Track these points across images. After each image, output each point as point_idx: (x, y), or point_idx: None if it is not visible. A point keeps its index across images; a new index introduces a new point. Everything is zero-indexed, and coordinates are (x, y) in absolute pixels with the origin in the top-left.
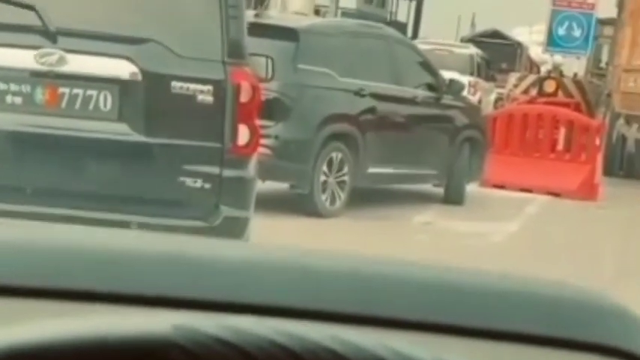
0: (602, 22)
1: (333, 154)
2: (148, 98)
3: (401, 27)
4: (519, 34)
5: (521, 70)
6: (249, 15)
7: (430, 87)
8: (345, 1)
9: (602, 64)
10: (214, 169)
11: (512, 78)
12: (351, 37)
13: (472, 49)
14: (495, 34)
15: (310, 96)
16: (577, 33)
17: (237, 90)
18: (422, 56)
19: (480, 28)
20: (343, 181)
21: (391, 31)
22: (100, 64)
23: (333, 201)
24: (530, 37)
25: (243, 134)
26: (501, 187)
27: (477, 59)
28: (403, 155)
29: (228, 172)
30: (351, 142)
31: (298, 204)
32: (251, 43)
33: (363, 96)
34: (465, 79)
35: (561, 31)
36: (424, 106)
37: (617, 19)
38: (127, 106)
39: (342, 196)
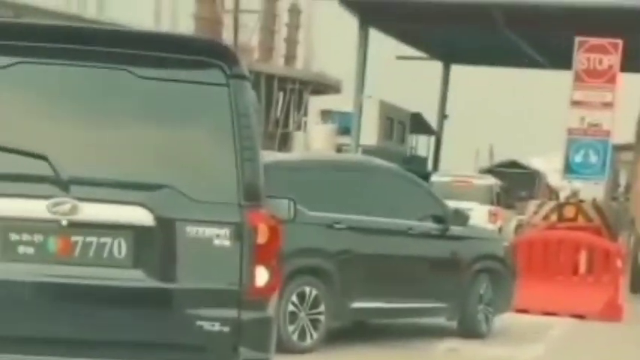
0: (619, 148)
1: (305, 289)
2: (163, 244)
3: (421, 161)
4: (537, 162)
5: (540, 197)
6: None
7: (436, 218)
8: (366, 139)
9: (621, 188)
10: (232, 312)
11: (532, 205)
12: (327, 171)
13: (491, 180)
14: (513, 164)
15: None
16: (593, 159)
17: (254, 232)
18: (422, 187)
19: (499, 158)
20: (317, 317)
21: (380, 162)
22: (114, 212)
23: (302, 336)
24: (548, 165)
25: (261, 276)
26: (525, 311)
27: (496, 189)
28: (398, 289)
29: (246, 314)
30: (325, 276)
31: None
32: None
33: (339, 229)
34: (484, 209)
35: (578, 159)
36: (422, 238)
37: (635, 146)
38: (141, 253)
39: (315, 333)
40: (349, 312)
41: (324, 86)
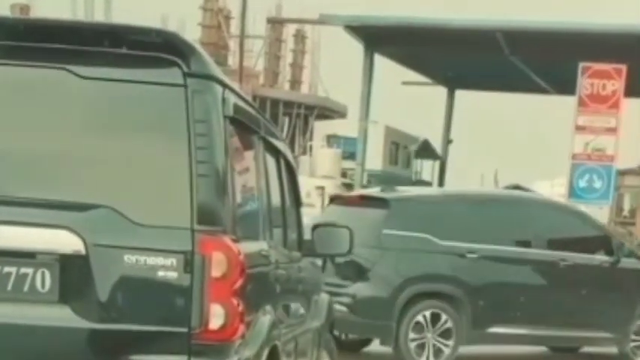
0: (623, 173)
1: (432, 312)
2: (96, 276)
3: (426, 185)
4: (541, 187)
5: None
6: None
7: (607, 251)
8: (371, 163)
9: (625, 213)
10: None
11: None
12: (468, 204)
13: None
14: (517, 188)
15: (392, 258)
16: (598, 184)
17: (208, 263)
18: (589, 220)
19: (503, 183)
20: (442, 348)
21: (535, 196)
22: (37, 237)
23: (419, 353)
24: (552, 189)
25: (216, 316)
26: None
27: None
28: (546, 316)
29: None
30: (455, 302)
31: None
32: (344, 212)
33: (472, 259)
34: None
35: (582, 183)
36: (578, 268)
37: None
38: (69, 286)
39: (446, 350)
40: (485, 337)
41: (329, 111)
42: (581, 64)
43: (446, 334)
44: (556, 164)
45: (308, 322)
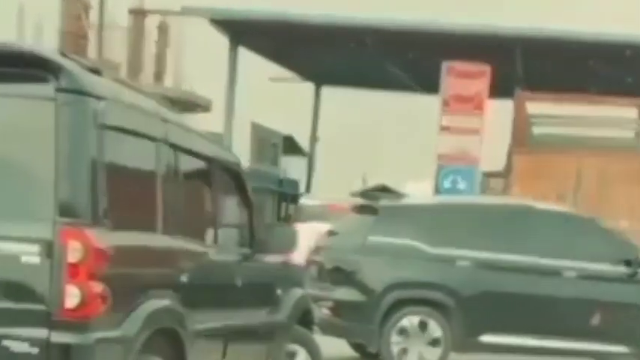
0: (489, 175)
1: (418, 318)
2: None
3: (293, 183)
4: (408, 187)
5: None
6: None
7: (626, 262)
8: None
9: None
10: (42, 333)
11: None
12: (462, 213)
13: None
14: (384, 189)
15: (375, 264)
16: (462, 186)
17: (64, 250)
18: (604, 232)
19: (372, 183)
20: (431, 349)
21: (538, 206)
22: None
23: None
24: (419, 190)
25: (72, 296)
26: None
27: None
28: (550, 326)
29: (58, 337)
30: (443, 308)
31: None
32: (350, 220)
33: (462, 266)
34: None
35: (447, 184)
36: (584, 279)
37: (505, 175)
38: None
39: (433, 358)
40: (477, 345)
41: (193, 105)
42: (445, 64)
43: (433, 340)
44: (425, 165)
45: (258, 315)
